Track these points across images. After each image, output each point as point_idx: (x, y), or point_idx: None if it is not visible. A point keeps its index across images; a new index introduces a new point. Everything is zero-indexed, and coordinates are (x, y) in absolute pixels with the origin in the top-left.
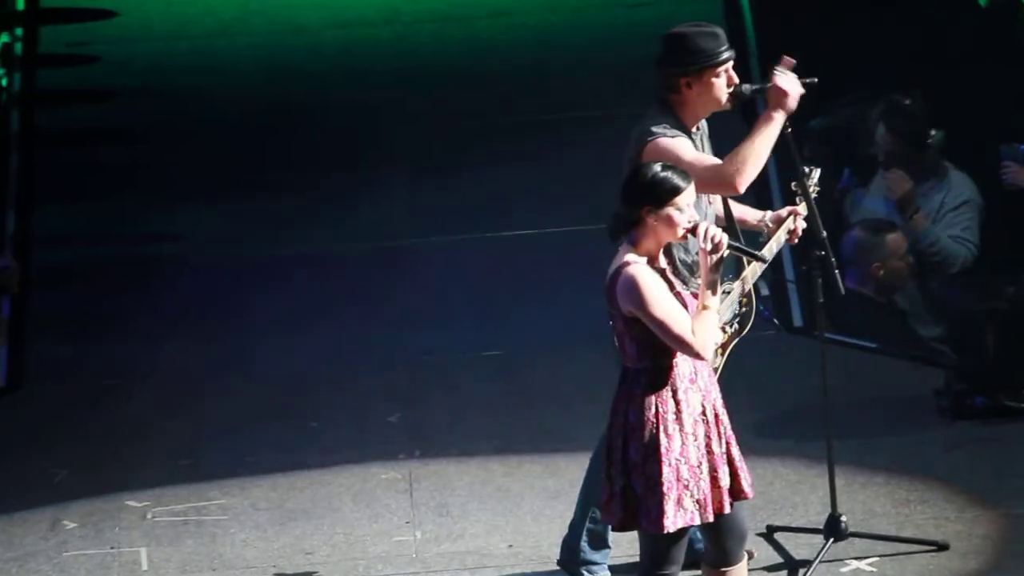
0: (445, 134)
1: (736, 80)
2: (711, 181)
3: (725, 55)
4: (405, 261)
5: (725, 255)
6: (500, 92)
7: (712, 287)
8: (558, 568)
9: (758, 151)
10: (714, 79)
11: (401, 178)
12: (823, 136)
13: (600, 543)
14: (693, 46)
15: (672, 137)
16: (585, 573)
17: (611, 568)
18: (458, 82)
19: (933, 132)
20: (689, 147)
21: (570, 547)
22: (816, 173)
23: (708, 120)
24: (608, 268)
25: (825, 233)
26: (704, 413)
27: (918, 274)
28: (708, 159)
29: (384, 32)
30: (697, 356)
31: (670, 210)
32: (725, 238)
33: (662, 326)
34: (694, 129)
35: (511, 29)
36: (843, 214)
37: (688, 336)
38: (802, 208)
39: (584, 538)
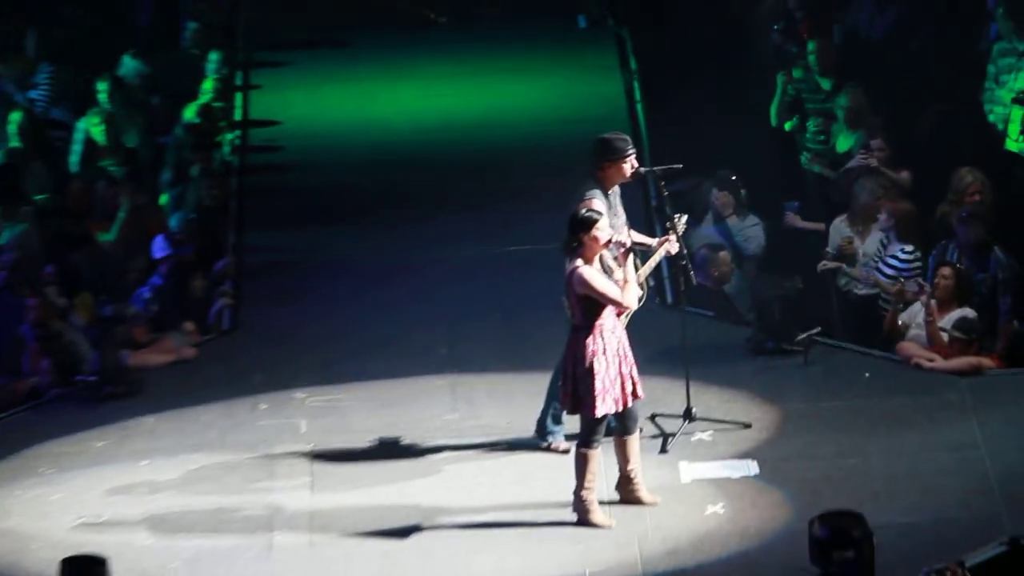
0: (462, 189)
1: (636, 165)
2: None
3: (630, 151)
4: (428, 269)
5: (631, 254)
6: (502, 167)
7: (628, 271)
8: (535, 435)
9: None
10: (623, 164)
11: (440, 219)
12: (675, 196)
13: (557, 420)
14: (612, 146)
15: (598, 198)
16: (550, 436)
17: (565, 436)
18: (464, 160)
19: (743, 191)
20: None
21: (540, 422)
22: (684, 217)
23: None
24: (566, 270)
25: (685, 250)
26: (618, 350)
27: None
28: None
29: (440, 135)
30: (627, 308)
31: (595, 232)
32: (630, 241)
33: (605, 295)
34: (610, 192)
35: (505, 136)
36: (688, 240)
37: (620, 298)
38: (673, 236)
39: (549, 416)
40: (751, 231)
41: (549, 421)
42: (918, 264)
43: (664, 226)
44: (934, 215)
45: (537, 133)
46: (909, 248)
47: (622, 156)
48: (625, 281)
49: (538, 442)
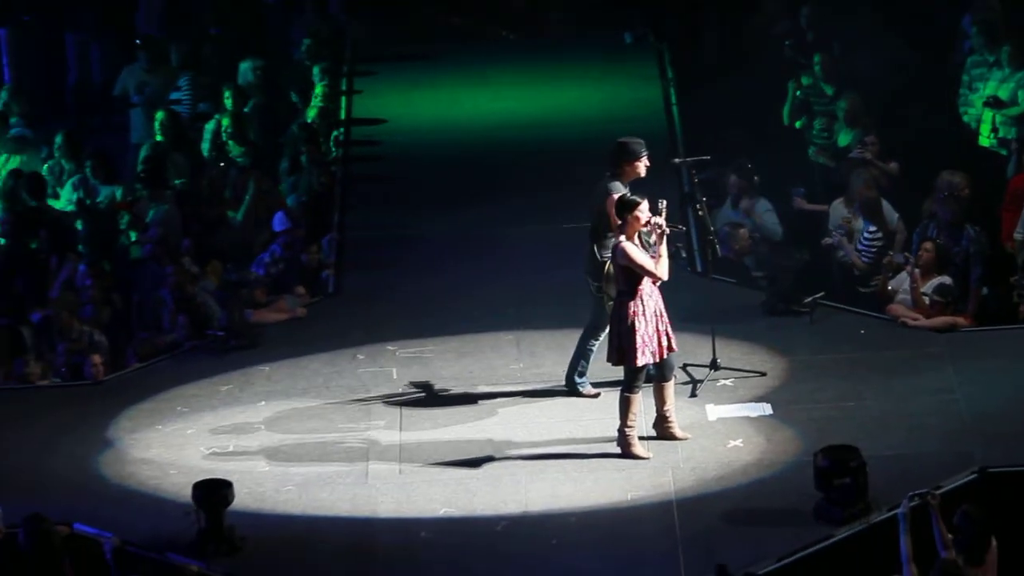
0: (527, 176)
1: (648, 164)
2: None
3: (644, 153)
4: (499, 243)
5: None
6: (560, 159)
7: (661, 247)
8: (563, 385)
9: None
10: (638, 164)
11: (509, 201)
12: (704, 183)
13: (582, 374)
14: (630, 148)
15: (620, 192)
16: (579, 387)
17: (609, 384)
18: (529, 153)
19: (756, 178)
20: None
21: (568, 377)
22: (665, 202)
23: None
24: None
25: (713, 228)
26: (655, 310)
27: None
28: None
29: (508, 132)
30: (660, 279)
31: (637, 213)
32: (664, 223)
33: (642, 267)
34: (627, 187)
35: (562, 133)
36: (713, 218)
37: (654, 269)
38: (660, 219)
39: (577, 369)
40: (766, 217)
41: (575, 376)
42: (879, 242)
43: (694, 208)
44: (918, 194)
45: (589, 130)
46: (873, 228)
47: (637, 157)
48: (659, 256)
49: (573, 389)
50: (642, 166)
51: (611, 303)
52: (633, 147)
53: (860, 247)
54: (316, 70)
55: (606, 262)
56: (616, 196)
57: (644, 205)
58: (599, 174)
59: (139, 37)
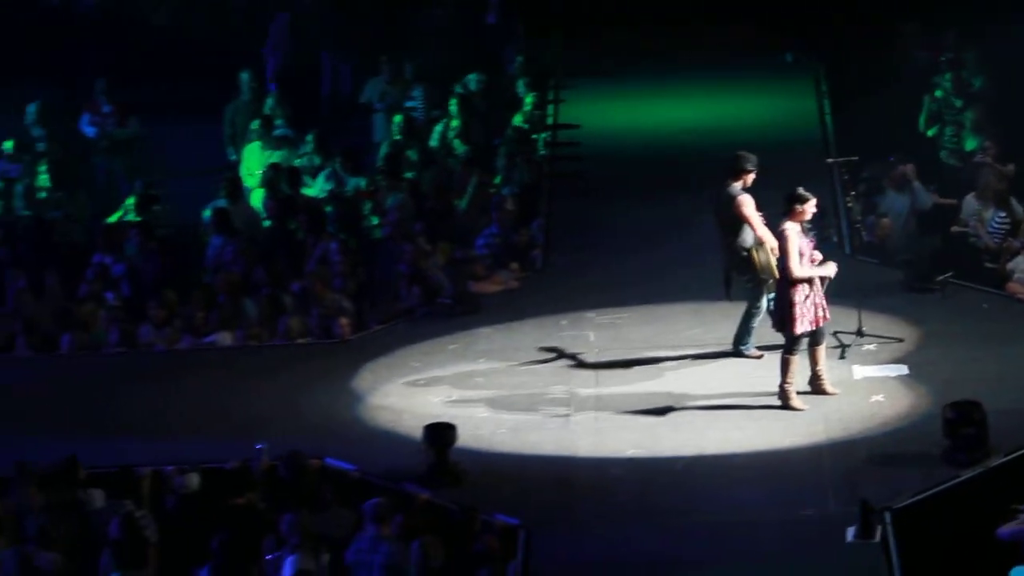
0: (702, 175)
1: (755, 176)
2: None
3: (753, 168)
4: (680, 230)
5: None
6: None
7: (815, 252)
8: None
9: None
10: (749, 175)
11: (685, 196)
12: (868, 182)
13: (748, 338)
14: (747, 160)
15: (745, 194)
16: (742, 348)
17: (772, 348)
18: (702, 154)
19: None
20: (751, 201)
21: (735, 343)
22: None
23: None
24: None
25: (860, 217)
26: (812, 286)
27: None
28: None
29: (686, 136)
30: (794, 274)
31: (805, 206)
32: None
33: (786, 257)
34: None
35: (732, 137)
36: (874, 206)
37: (795, 266)
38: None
39: (744, 334)
40: (923, 194)
41: (740, 345)
42: (1007, 226)
43: (844, 201)
44: None
45: (754, 136)
46: (1003, 214)
47: (749, 170)
48: (812, 260)
49: (739, 353)
50: (751, 178)
51: (770, 280)
52: (748, 160)
53: (991, 230)
54: (534, 80)
55: (748, 252)
56: (741, 198)
57: (812, 202)
58: (765, 172)
59: (383, 55)
